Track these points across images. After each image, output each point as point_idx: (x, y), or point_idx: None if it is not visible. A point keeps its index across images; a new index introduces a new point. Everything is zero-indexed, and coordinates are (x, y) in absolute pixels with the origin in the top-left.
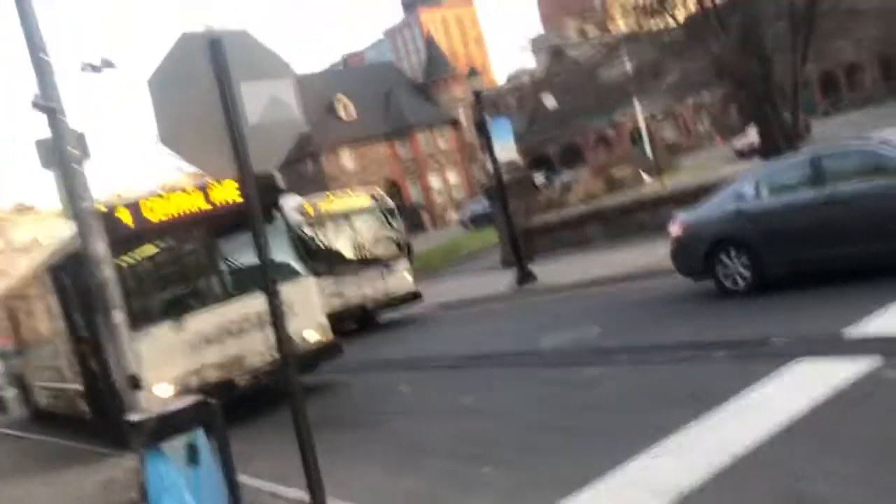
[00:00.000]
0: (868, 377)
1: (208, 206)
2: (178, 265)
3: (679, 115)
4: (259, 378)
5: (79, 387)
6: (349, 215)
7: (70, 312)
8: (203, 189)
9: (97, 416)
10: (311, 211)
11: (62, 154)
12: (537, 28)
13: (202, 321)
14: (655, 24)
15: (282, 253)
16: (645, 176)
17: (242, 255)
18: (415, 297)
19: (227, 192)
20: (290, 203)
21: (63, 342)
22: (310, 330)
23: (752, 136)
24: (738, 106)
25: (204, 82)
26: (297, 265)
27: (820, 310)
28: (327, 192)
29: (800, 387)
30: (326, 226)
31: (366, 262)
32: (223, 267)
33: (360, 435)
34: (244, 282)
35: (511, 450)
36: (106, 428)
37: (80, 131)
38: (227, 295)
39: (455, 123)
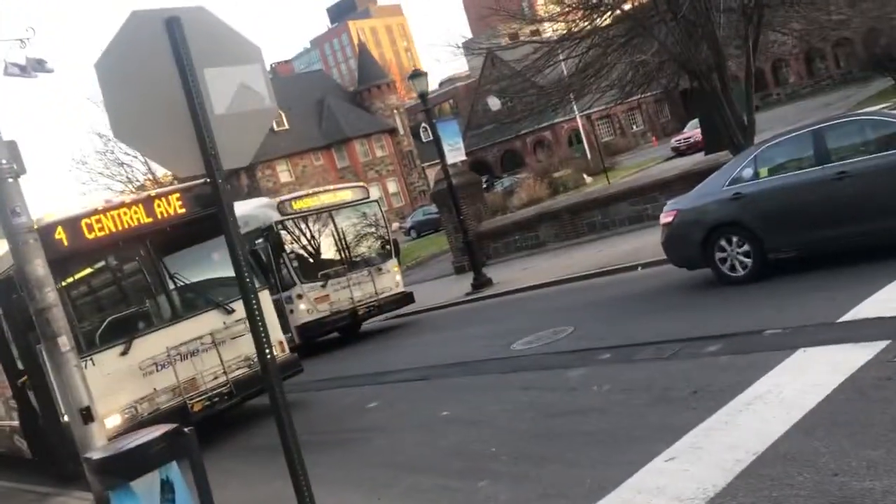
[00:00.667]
0: (879, 362)
1: (150, 220)
2: (122, 285)
3: (614, 116)
4: (216, 401)
5: (14, 423)
6: (332, 211)
7: (3, 342)
8: (144, 202)
9: (37, 454)
10: (291, 207)
11: None
12: (467, 34)
13: (151, 344)
14: (595, 20)
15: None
16: (586, 177)
17: (190, 271)
18: (406, 298)
19: (170, 205)
20: (262, 201)
21: None
22: None
23: (689, 133)
24: (670, 105)
25: (161, 67)
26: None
27: (814, 295)
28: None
29: (809, 377)
30: (308, 224)
31: (353, 263)
32: (171, 285)
33: (337, 455)
34: (194, 300)
35: (506, 461)
36: (48, 466)
37: (10, 139)
38: (176, 315)
39: (392, 131)
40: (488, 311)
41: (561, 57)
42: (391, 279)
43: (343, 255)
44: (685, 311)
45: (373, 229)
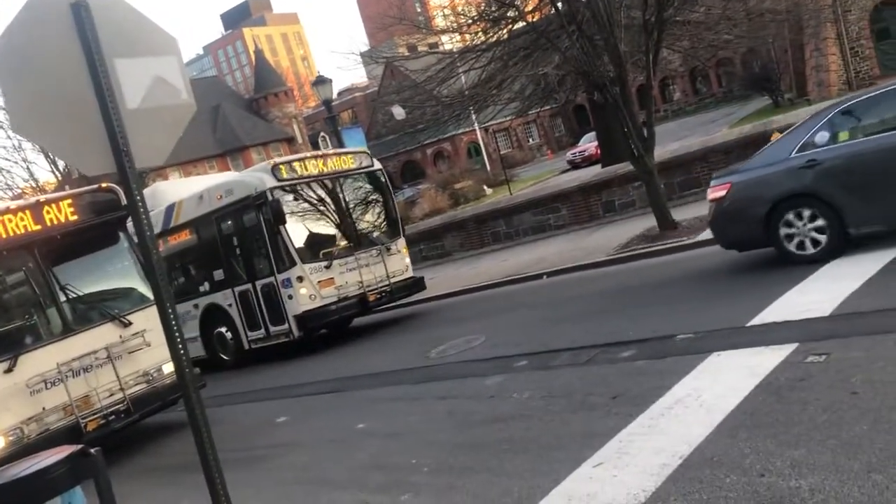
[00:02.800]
0: (791, 364)
1: (39, 228)
2: (6, 297)
3: (511, 129)
4: (112, 420)
5: None
6: (335, 179)
7: None
8: (32, 208)
9: None
10: (289, 172)
11: None
12: (364, 44)
13: (39, 360)
14: (496, 33)
15: (128, 277)
16: (486, 188)
17: (83, 281)
18: (418, 284)
19: (61, 211)
20: (260, 165)
21: None
22: (168, 362)
23: (584, 146)
24: (564, 120)
25: (67, 56)
26: (148, 290)
27: (722, 302)
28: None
29: (726, 380)
30: (307, 193)
31: (359, 241)
32: (61, 296)
33: (248, 473)
34: (87, 312)
35: (428, 473)
36: None
37: None
38: (67, 328)
39: (290, 140)
40: (398, 322)
41: (462, 69)
42: (401, 261)
43: (348, 232)
44: (596, 318)
45: (379, 202)
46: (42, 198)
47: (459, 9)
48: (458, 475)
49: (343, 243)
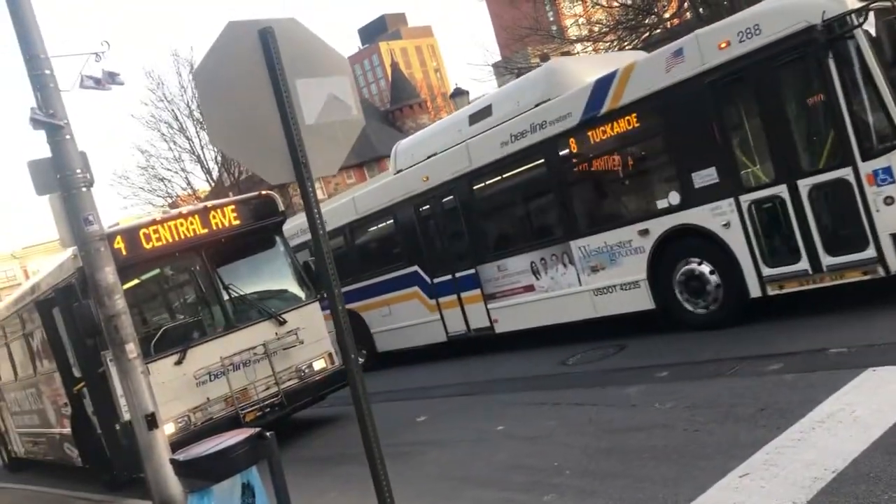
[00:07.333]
0: None
1: (206, 231)
2: (177, 295)
3: None
4: (267, 412)
5: (66, 430)
6: None
7: (60, 349)
8: (200, 213)
9: (89, 461)
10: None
11: (66, 176)
12: (496, 55)
13: (205, 354)
14: (633, 41)
15: (284, 278)
16: None
17: (243, 282)
18: None
19: (225, 216)
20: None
21: (47, 383)
22: (318, 359)
23: None
24: None
25: (255, 77)
26: (300, 290)
27: (881, 316)
28: None
29: (883, 397)
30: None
31: None
32: (225, 295)
33: (394, 467)
34: (247, 310)
35: (570, 476)
36: (100, 474)
37: (81, 150)
38: (229, 325)
39: None
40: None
41: None
42: None
43: None
44: (739, 328)
45: None
46: (209, 204)
47: (594, 17)
48: (601, 480)
49: None
